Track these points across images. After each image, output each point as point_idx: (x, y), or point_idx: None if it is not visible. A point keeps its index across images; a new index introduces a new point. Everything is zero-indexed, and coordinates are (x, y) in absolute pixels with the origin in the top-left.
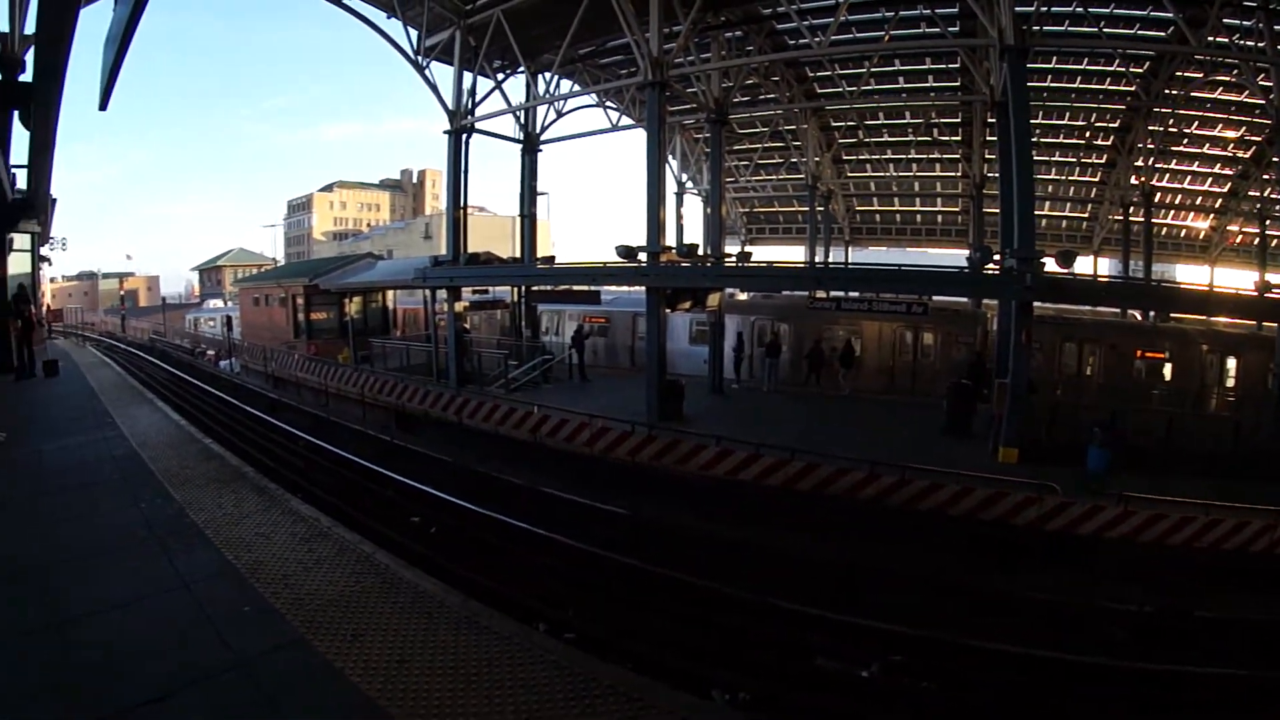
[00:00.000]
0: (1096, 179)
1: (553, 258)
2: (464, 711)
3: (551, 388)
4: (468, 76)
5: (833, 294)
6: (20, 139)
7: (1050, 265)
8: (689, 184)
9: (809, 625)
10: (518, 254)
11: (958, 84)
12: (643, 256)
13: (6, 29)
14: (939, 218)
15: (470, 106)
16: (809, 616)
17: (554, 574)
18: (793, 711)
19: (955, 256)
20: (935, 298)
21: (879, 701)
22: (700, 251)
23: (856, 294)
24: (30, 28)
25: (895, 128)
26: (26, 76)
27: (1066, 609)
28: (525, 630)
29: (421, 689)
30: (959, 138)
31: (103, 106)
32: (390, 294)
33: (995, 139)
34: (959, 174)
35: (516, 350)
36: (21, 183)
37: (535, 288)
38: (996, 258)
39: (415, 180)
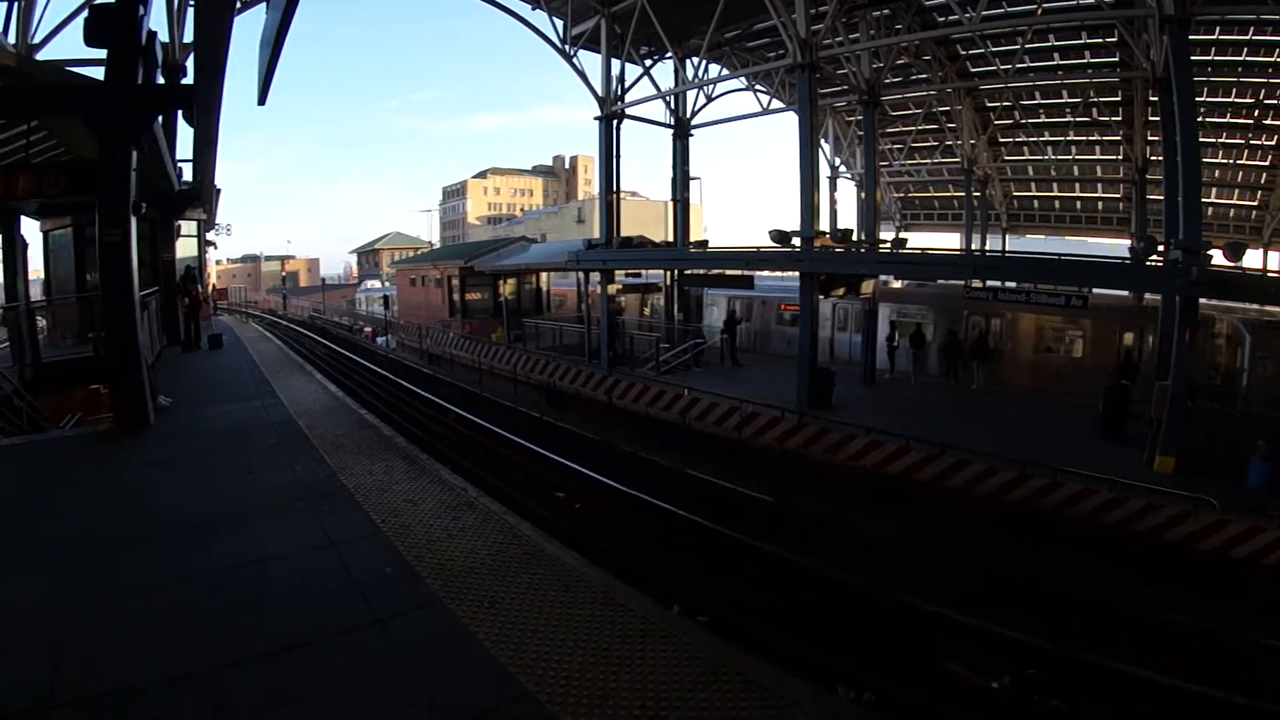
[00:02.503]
0: (1267, 163)
1: (705, 242)
2: (592, 686)
3: (702, 371)
4: (616, 63)
5: (989, 284)
6: (185, 135)
7: (1218, 258)
8: (842, 168)
9: (944, 628)
10: (669, 237)
11: (1116, 59)
12: (797, 241)
13: (167, 39)
14: (1099, 204)
15: (620, 93)
16: (944, 619)
17: (692, 556)
18: (917, 716)
19: (1118, 247)
20: (1095, 291)
21: (1007, 716)
22: (854, 237)
23: (1014, 284)
24: (189, 36)
25: (1052, 108)
26: (188, 80)
27: (1216, 638)
28: (661, 610)
29: (552, 659)
30: (1119, 118)
31: (261, 102)
32: (544, 276)
33: (1158, 119)
34: (1120, 157)
35: (669, 333)
36: (188, 175)
37: (688, 272)
38: (1161, 249)
39: (568, 166)
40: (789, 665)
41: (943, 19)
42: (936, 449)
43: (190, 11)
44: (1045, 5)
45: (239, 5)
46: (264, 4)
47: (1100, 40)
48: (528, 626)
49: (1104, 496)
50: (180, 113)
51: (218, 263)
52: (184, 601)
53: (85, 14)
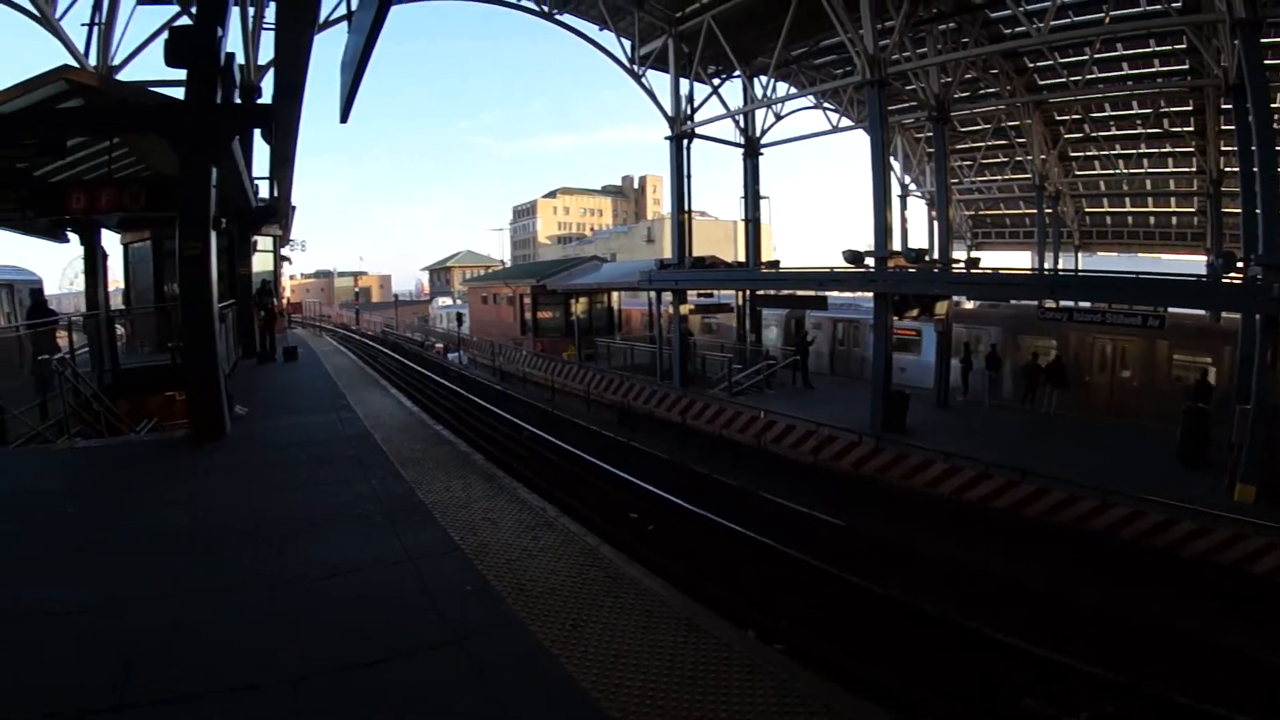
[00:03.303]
0: None
1: (777, 262)
2: (674, 714)
3: (774, 393)
4: (684, 83)
5: (1063, 304)
6: (262, 152)
7: None
8: (912, 186)
9: (1021, 660)
10: (740, 258)
11: (1186, 67)
12: (870, 261)
13: (243, 60)
14: (1173, 220)
15: (689, 112)
16: (1021, 651)
17: (766, 580)
18: None
19: (1194, 264)
20: (1171, 310)
21: None
22: (927, 257)
23: (1088, 304)
24: (264, 58)
25: (1122, 119)
26: (264, 99)
27: None
28: (741, 636)
29: (635, 685)
30: (1191, 128)
31: (343, 120)
32: (615, 295)
33: (1232, 128)
34: (1194, 170)
35: (740, 354)
36: (264, 192)
37: (760, 292)
38: (1239, 265)
39: (636, 186)
40: (866, 693)
41: (1009, 31)
42: (1016, 475)
43: (267, 33)
44: (1113, 13)
45: (318, 26)
46: (345, 24)
47: (1169, 48)
48: (610, 652)
49: (1186, 527)
50: (259, 131)
51: (291, 277)
52: (257, 609)
53: (165, 36)
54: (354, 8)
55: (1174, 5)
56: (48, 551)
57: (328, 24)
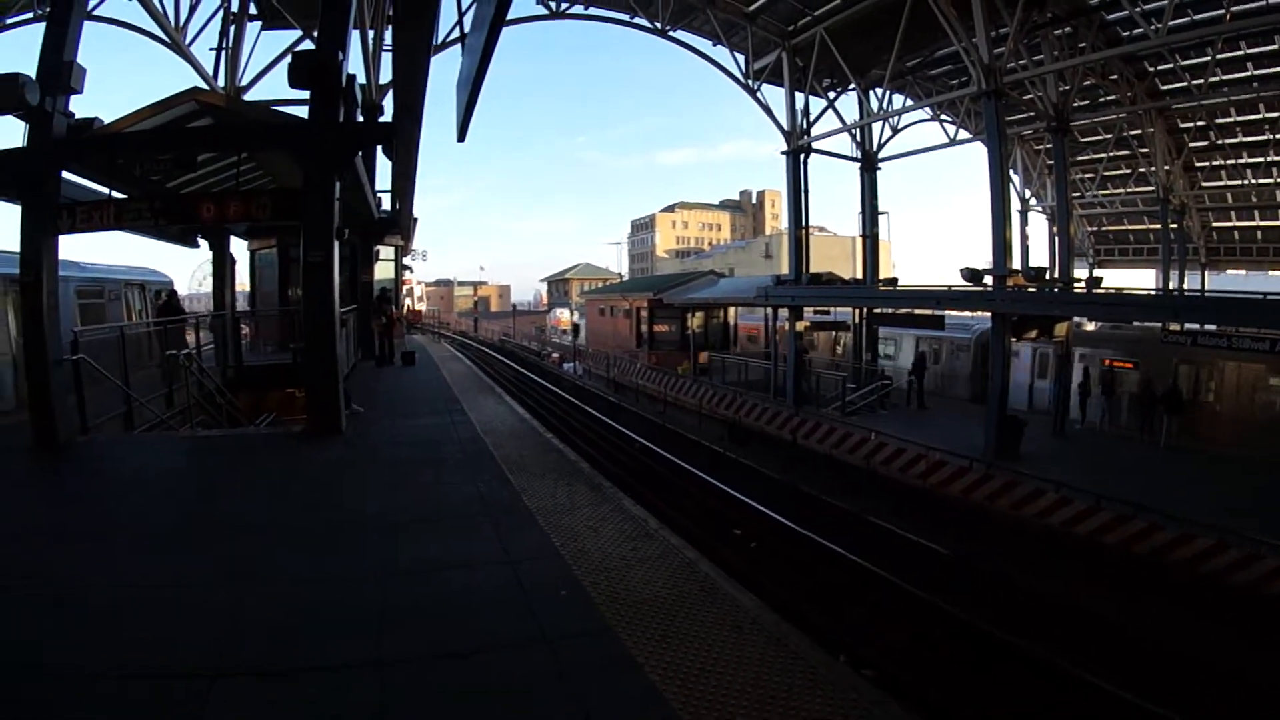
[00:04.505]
0: None
1: (895, 279)
2: None
3: (887, 414)
4: (799, 97)
5: (1188, 326)
6: (384, 167)
7: None
8: (1032, 200)
9: (1117, 709)
10: (857, 274)
11: None
12: (988, 280)
13: (364, 80)
14: None
15: (805, 126)
16: (1119, 700)
17: (863, 604)
18: None
19: None
20: None
21: None
22: (1047, 275)
23: (1213, 326)
24: (384, 78)
25: (1249, 125)
26: (385, 118)
27: None
28: (830, 660)
29: (718, 700)
30: None
31: (460, 139)
32: (731, 310)
33: None
34: None
35: (856, 373)
36: (386, 204)
37: (877, 310)
38: None
39: (755, 201)
40: None
41: (1127, 34)
42: (1129, 510)
43: (387, 54)
44: (1233, 9)
45: (434, 48)
46: (459, 46)
47: None
48: (697, 665)
49: None
50: (380, 147)
51: (420, 283)
52: (360, 595)
53: (289, 60)
54: (467, 30)
55: None
56: (168, 530)
57: (443, 46)
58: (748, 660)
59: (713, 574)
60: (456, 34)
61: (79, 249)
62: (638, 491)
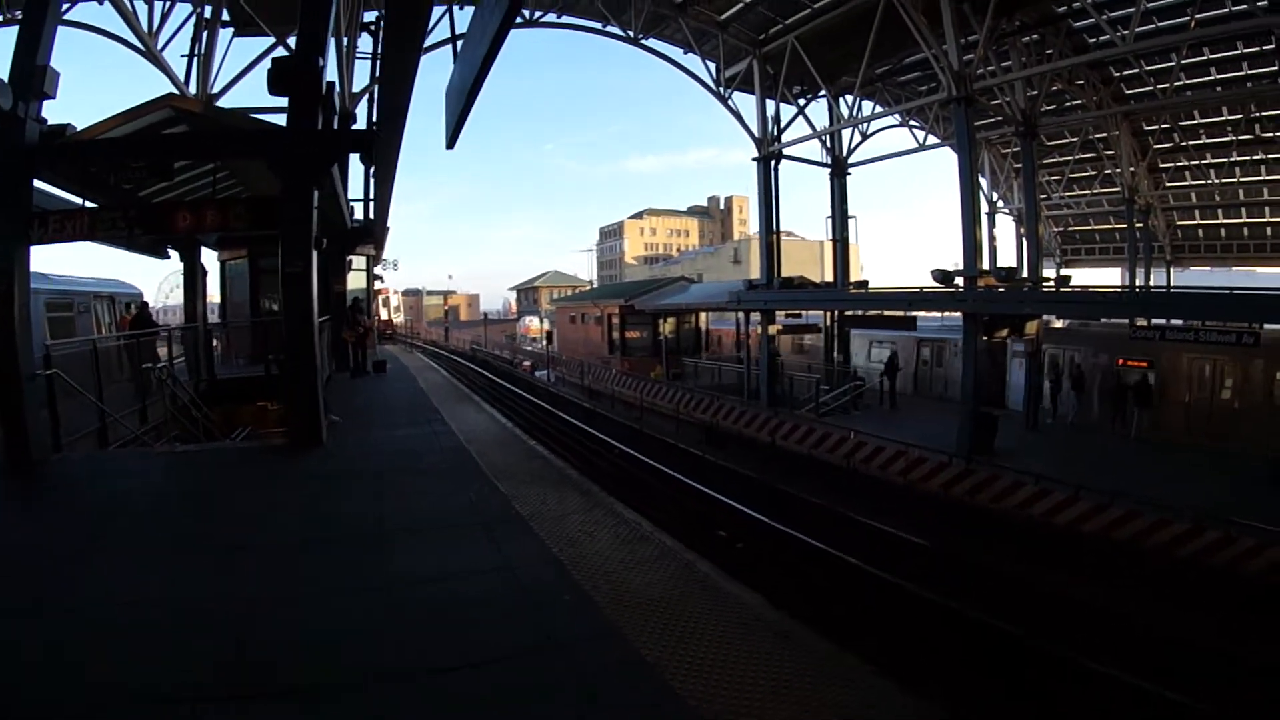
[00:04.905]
0: None
1: (865, 282)
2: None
3: (860, 414)
4: (770, 104)
5: (1154, 322)
6: (354, 175)
7: None
8: (1000, 203)
9: (1113, 691)
10: (826, 277)
11: (1277, 68)
12: (959, 281)
13: (339, 88)
14: (1268, 230)
15: (776, 133)
16: (1116, 680)
17: (852, 598)
18: None
19: None
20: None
21: None
22: (1017, 275)
23: (1179, 321)
24: (357, 84)
25: (1212, 127)
26: (358, 125)
27: None
28: (838, 651)
29: (732, 694)
30: None
31: (450, 146)
32: (703, 315)
33: None
34: None
35: (827, 374)
36: (359, 213)
37: (848, 313)
38: None
39: (723, 207)
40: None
41: (1093, 40)
42: (1105, 499)
43: (361, 62)
44: (1198, 15)
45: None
46: (444, 52)
47: (1258, 49)
48: (707, 661)
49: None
50: (359, 155)
51: (396, 292)
52: (360, 609)
53: (267, 66)
54: (459, 31)
55: (1260, 4)
56: (160, 548)
57: (429, 49)
58: (757, 654)
59: (712, 573)
60: (443, 34)
61: (41, 259)
62: (623, 496)
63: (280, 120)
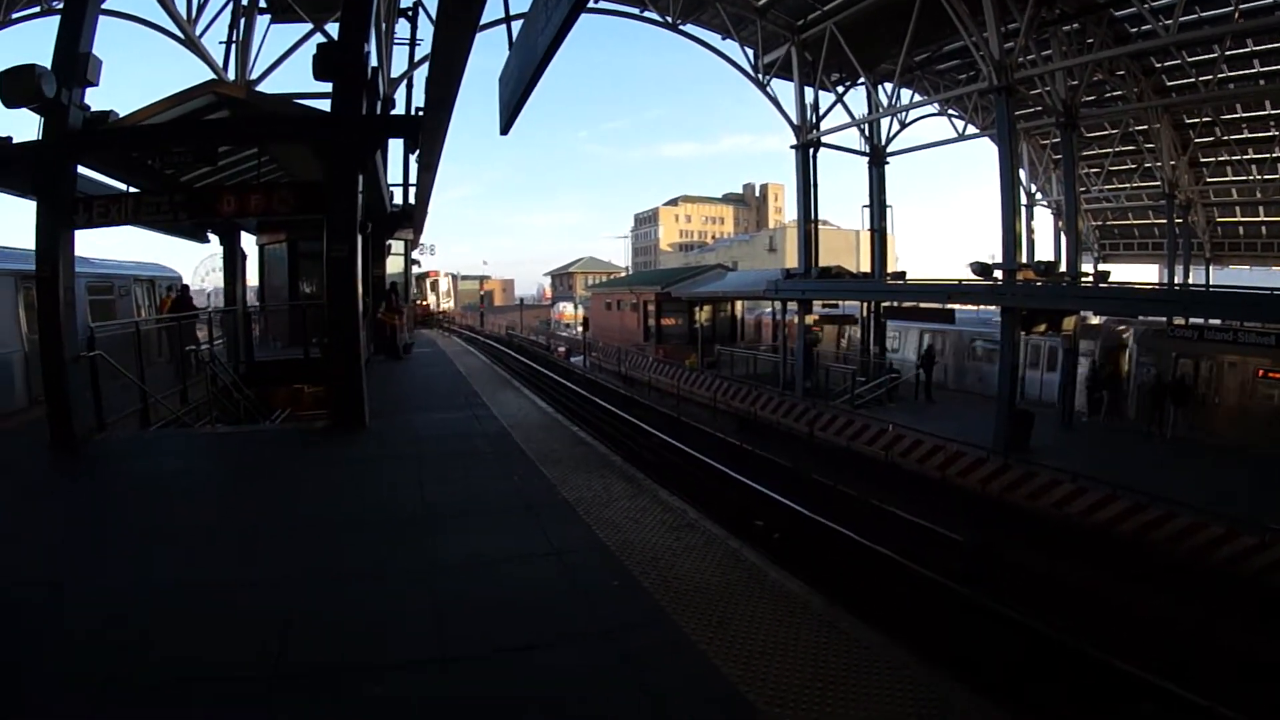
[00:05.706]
0: None
1: (904, 273)
2: (820, 711)
3: (895, 407)
4: (809, 91)
5: (1193, 321)
6: (394, 160)
7: None
8: (1038, 195)
9: (1139, 691)
10: (862, 267)
11: None
12: (998, 274)
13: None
14: None
15: (814, 121)
16: (1143, 682)
17: (889, 591)
18: None
19: None
20: None
21: None
22: (1056, 269)
23: (1218, 320)
24: (395, 70)
25: (1255, 121)
26: (397, 110)
27: None
28: (886, 642)
29: (781, 680)
30: None
31: (504, 131)
32: (739, 304)
33: None
34: None
35: (864, 366)
36: (397, 198)
37: (885, 304)
38: None
39: (758, 194)
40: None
41: (1135, 30)
42: (1144, 499)
43: (399, 48)
44: (1242, 7)
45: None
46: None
47: None
48: (756, 648)
49: None
50: (405, 140)
51: (445, 275)
52: (409, 591)
53: (315, 51)
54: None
55: None
56: (208, 529)
57: (484, 27)
58: (803, 642)
59: (758, 562)
60: (497, 14)
61: (80, 244)
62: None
63: (320, 106)
